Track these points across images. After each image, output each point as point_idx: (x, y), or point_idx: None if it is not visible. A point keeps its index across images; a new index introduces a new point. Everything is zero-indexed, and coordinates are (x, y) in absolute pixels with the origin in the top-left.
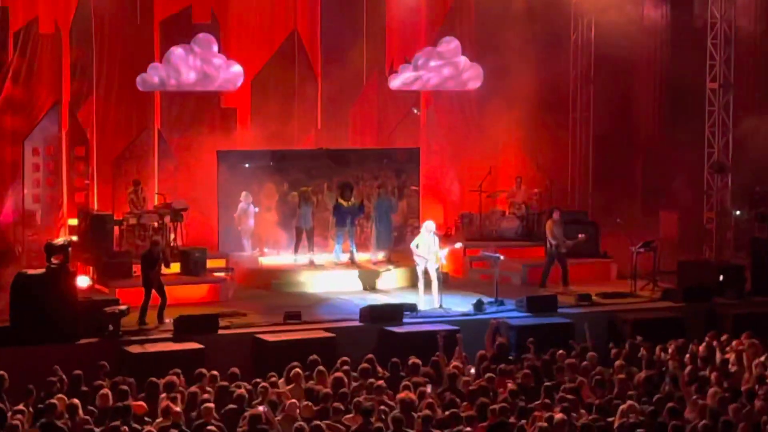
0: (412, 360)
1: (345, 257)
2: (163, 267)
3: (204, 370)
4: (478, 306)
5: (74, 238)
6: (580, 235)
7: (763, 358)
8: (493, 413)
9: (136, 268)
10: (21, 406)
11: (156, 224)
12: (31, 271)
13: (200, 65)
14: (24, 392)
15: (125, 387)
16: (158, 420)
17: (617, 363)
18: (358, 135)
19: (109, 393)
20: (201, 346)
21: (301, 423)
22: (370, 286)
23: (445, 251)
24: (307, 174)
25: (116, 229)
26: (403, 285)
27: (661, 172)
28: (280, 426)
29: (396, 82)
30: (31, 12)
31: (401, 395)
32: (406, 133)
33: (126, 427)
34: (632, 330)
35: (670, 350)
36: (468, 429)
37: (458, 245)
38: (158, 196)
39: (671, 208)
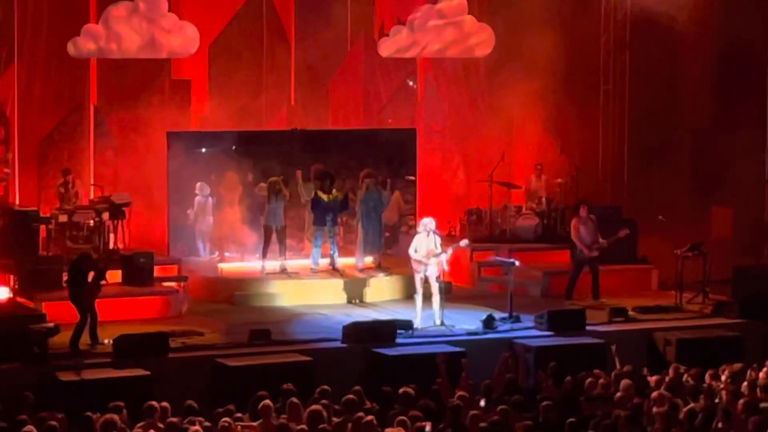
0: (405, 389)
1: (325, 263)
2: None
3: (155, 403)
4: (489, 323)
5: None
6: (620, 232)
7: None
8: None
9: None
10: None
11: (92, 222)
12: None
13: (146, 27)
14: None
15: (54, 423)
16: None
17: (658, 393)
18: (341, 113)
19: (34, 430)
20: (147, 372)
21: None
22: (355, 299)
23: (449, 254)
24: (277, 161)
25: (43, 228)
26: (397, 297)
27: (713, 159)
28: None
29: (387, 48)
30: None
31: (390, 431)
32: (400, 111)
33: None
34: (677, 352)
35: (723, 377)
36: None
37: (464, 243)
38: (94, 188)
39: (725, 203)
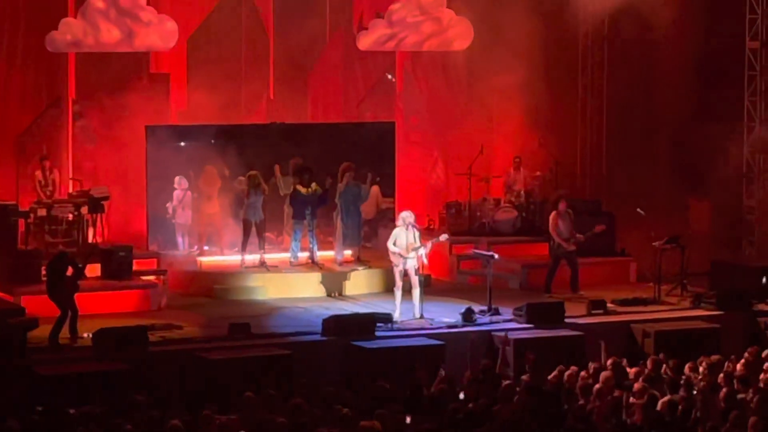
0: (382, 383)
1: (304, 256)
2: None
3: (140, 397)
4: (468, 316)
5: None
6: (596, 228)
7: None
8: None
9: None
10: None
11: (70, 216)
12: None
13: (124, 21)
14: None
15: (33, 417)
16: None
17: (637, 385)
18: (320, 106)
19: (16, 424)
20: (126, 366)
21: None
22: (335, 292)
23: (428, 247)
24: (256, 155)
25: (21, 222)
26: (376, 290)
27: (692, 152)
28: None
29: (366, 41)
30: None
31: (365, 423)
32: (379, 104)
33: None
34: (656, 344)
35: (701, 369)
36: None
37: (443, 237)
38: (73, 182)
39: (703, 196)
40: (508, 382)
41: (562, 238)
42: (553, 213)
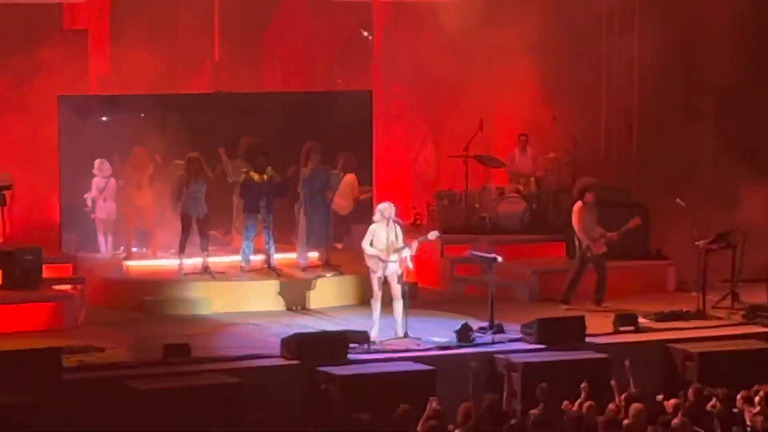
0: (357, 415)
1: (258, 260)
2: None
3: None
4: (464, 334)
5: None
6: (631, 222)
7: None
8: None
9: None
10: None
11: None
12: None
13: None
14: None
15: None
16: None
17: (676, 421)
18: (278, 71)
19: None
20: (34, 398)
21: None
22: (296, 305)
23: (414, 248)
24: (199, 132)
25: None
26: (349, 302)
27: (743, 127)
28: None
29: None
30: None
31: None
32: (352, 69)
33: None
34: (700, 369)
35: (757, 399)
36: None
37: (432, 235)
38: None
39: (760, 182)
40: (514, 420)
41: (590, 238)
42: (578, 204)
